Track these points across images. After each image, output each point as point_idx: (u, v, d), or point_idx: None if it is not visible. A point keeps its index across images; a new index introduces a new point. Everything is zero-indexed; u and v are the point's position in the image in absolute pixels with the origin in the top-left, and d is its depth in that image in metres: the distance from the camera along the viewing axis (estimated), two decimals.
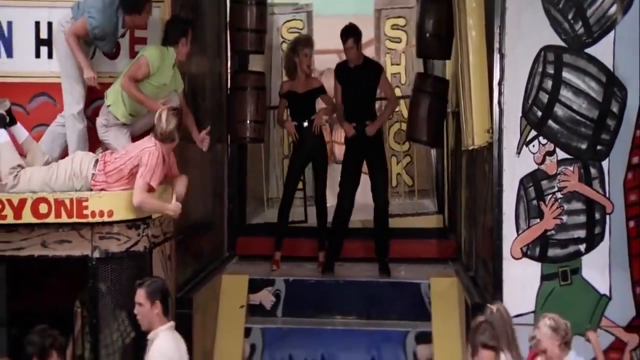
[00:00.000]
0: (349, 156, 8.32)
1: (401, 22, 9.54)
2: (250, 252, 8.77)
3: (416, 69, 9.31)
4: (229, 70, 8.86)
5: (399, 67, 9.52)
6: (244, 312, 7.76)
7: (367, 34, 9.50)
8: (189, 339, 6.81)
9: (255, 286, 7.93)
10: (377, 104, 8.58)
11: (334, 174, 9.19)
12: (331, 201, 8.67)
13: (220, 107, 8.67)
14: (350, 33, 8.03)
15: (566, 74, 6.33)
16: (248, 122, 8.45)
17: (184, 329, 6.68)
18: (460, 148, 8.57)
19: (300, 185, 8.84)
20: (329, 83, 8.71)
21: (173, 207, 6.02)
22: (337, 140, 10.38)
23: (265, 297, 7.88)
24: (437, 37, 7.94)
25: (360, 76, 8.13)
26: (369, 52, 9.66)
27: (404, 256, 8.50)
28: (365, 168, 8.39)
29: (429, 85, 8.26)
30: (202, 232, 8.07)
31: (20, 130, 6.24)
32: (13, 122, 6.21)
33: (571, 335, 5.15)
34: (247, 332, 7.61)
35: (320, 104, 8.48)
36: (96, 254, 5.91)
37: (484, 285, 6.93)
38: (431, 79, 8.38)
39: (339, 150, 9.69)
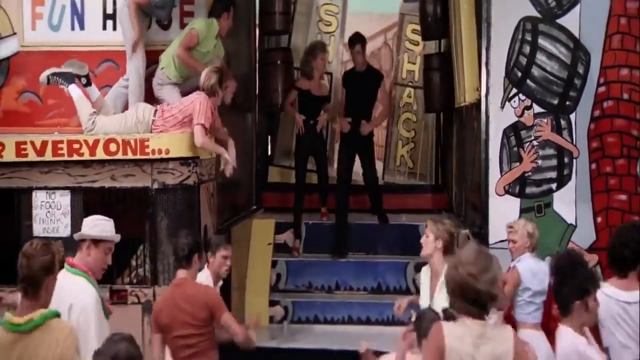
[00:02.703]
0: (344, 149, 8.36)
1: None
2: (274, 205, 8.91)
3: None
4: (257, 49, 9.05)
5: (415, 65, 9.50)
6: (271, 248, 8.04)
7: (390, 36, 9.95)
8: None
9: (280, 229, 8.22)
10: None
11: None
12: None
13: (251, 81, 8.88)
14: (358, 40, 8.19)
15: (541, 41, 6.47)
16: (280, 91, 8.54)
17: None
18: (451, 120, 8.90)
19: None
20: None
21: (228, 156, 6.38)
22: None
23: (289, 237, 8.18)
24: (435, 19, 8.15)
25: (363, 81, 8.18)
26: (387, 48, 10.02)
27: (404, 208, 8.68)
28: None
29: (435, 61, 8.47)
30: (235, 185, 8.27)
31: (94, 90, 6.56)
32: (89, 83, 6.51)
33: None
34: (274, 263, 7.93)
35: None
36: (155, 186, 6.22)
37: (472, 221, 7.27)
38: (437, 56, 8.55)
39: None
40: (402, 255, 7.87)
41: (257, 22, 8.91)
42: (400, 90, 9.55)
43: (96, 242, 4.55)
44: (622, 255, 4.55)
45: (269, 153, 9.55)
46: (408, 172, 9.47)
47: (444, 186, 9.16)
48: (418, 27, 9.05)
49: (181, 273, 5.01)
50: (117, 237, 4.71)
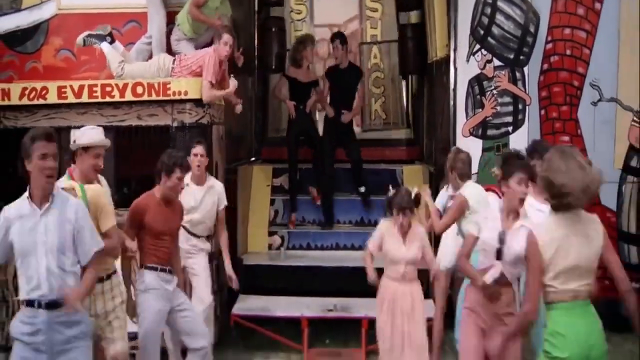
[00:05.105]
0: (326, 134, 8.44)
1: None
2: (271, 157, 9.10)
3: (389, 30, 9.63)
4: (256, 17, 9.37)
5: (376, 30, 9.76)
6: (269, 189, 8.39)
7: (353, 11, 9.83)
8: (234, 196, 7.60)
9: (277, 173, 8.49)
10: None
11: None
12: None
13: (250, 47, 9.08)
14: (338, 38, 8.38)
15: (500, 3, 6.87)
16: (274, 54, 8.92)
17: (232, 189, 7.42)
18: (422, 87, 9.30)
19: None
20: (322, 50, 9.27)
21: (230, 88, 6.66)
22: None
23: (285, 181, 8.45)
24: None
25: (346, 77, 8.34)
26: (355, 23, 9.93)
27: (382, 159, 8.91)
28: None
29: (409, 31, 8.84)
30: (238, 139, 8.58)
31: (118, 46, 6.86)
32: (113, 40, 6.84)
33: None
34: (272, 202, 8.27)
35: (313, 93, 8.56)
36: (175, 124, 6.47)
37: (443, 163, 7.67)
38: (410, 27, 8.89)
39: None
40: (382, 194, 8.15)
41: None
42: (367, 50, 9.68)
43: None
44: None
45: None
46: (383, 122, 9.69)
47: (417, 140, 9.48)
48: None
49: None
50: None
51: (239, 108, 6.84)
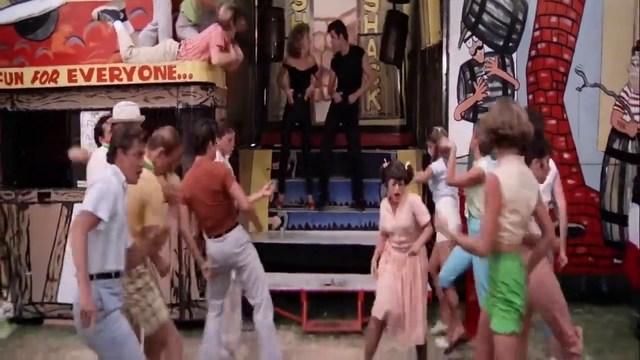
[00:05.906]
0: (329, 119, 8.49)
1: None
2: (270, 142, 9.21)
3: None
4: (256, 11, 9.53)
5: (374, 24, 9.92)
6: (269, 173, 8.54)
7: (351, 4, 10.01)
8: (236, 178, 7.78)
9: (276, 157, 8.62)
10: None
11: None
12: None
13: (250, 37, 9.21)
14: (335, 27, 8.39)
15: None
16: (273, 44, 9.06)
17: (234, 171, 7.44)
18: (415, 77, 9.41)
19: None
20: (318, 43, 9.43)
21: (237, 55, 6.78)
22: None
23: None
24: None
25: (348, 62, 8.35)
26: (353, 16, 10.05)
27: (377, 144, 8.92)
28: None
29: (396, 19, 8.95)
30: (239, 125, 8.48)
31: (129, 25, 6.96)
32: (125, 18, 6.94)
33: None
34: None
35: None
36: (180, 106, 6.61)
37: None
38: (398, 15, 9.03)
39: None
40: (377, 177, 8.34)
41: None
42: (364, 42, 9.80)
43: None
44: None
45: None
46: (378, 113, 9.83)
47: (409, 127, 9.65)
48: None
49: (199, 158, 5.38)
50: None
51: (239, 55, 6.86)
